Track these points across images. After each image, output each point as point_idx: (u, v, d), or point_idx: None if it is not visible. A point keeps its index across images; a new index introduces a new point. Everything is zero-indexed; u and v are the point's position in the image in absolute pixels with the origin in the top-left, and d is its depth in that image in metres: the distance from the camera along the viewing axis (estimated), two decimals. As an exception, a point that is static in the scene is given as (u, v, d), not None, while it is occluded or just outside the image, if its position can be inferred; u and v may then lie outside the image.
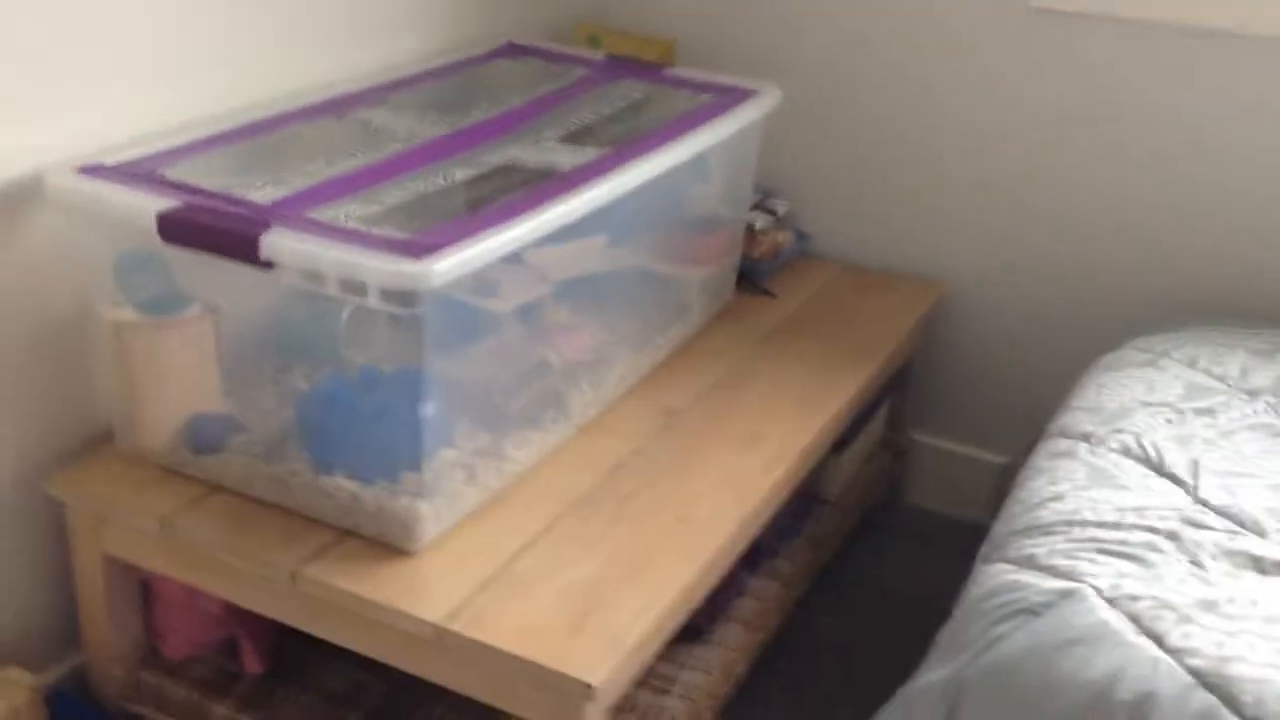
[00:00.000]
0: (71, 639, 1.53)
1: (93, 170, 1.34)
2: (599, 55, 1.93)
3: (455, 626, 1.23)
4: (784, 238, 2.02)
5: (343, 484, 1.34)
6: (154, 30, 1.45)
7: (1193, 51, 1.78)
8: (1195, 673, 1.10)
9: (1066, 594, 1.19)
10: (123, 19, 1.41)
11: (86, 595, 1.48)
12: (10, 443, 1.42)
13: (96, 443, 1.49)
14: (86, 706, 1.51)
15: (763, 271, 1.97)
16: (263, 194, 1.36)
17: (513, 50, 1.92)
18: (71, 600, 1.50)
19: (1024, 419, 1.95)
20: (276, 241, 1.23)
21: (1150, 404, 1.53)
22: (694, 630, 1.59)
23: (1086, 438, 1.47)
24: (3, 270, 1.36)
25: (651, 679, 1.54)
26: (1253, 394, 1.56)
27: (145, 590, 1.51)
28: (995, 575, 1.26)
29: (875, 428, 2.00)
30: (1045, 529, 1.31)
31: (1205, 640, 1.13)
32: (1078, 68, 1.85)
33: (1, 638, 1.46)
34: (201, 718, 1.47)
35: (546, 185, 1.43)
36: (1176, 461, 1.41)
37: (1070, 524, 1.30)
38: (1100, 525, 1.30)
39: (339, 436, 1.36)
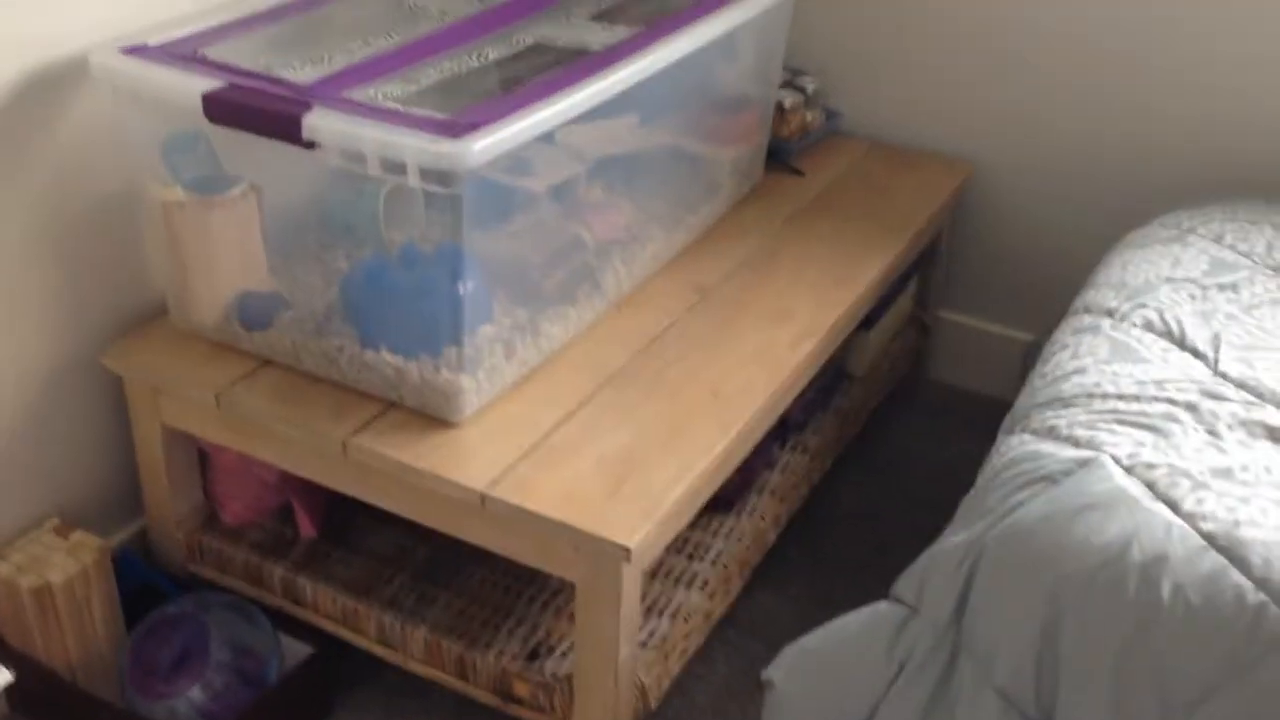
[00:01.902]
0: (135, 505, 1.61)
1: (137, 51, 1.37)
2: (629, -69, 1.91)
3: (497, 493, 1.29)
4: (813, 116, 2.03)
5: (387, 358, 1.39)
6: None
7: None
8: (1207, 536, 1.14)
9: (1085, 462, 1.23)
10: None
11: (147, 464, 1.55)
12: (69, 317, 1.47)
13: (150, 318, 1.54)
14: (150, 568, 1.59)
15: (791, 150, 1.98)
16: (303, 74, 1.38)
17: (543, -74, 1.91)
18: (133, 467, 1.57)
19: (1050, 297, 1.97)
20: (318, 122, 1.25)
21: (1174, 280, 1.55)
22: (725, 502, 1.65)
23: (1110, 313, 1.50)
24: (52, 150, 1.40)
25: (685, 546, 1.60)
26: (1277, 269, 1.58)
27: (203, 459, 1.58)
28: (1017, 445, 1.30)
29: (902, 305, 2.03)
30: (1066, 401, 1.34)
31: (1218, 505, 1.17)
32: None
33: (70, 504, 1.54)
34: (260, 579, 1.55)
35: (579, 65, 1.44)
36: (1198, 336, 1.43)
37: (1091, 396, 1.34)
38: (1120, 397, 1.33)
39: (382, 313, 1.40)
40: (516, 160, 1.44)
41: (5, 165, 1.35)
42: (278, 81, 1.33)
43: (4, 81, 1.32)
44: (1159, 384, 1.35)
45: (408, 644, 1.47)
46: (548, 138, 1.41)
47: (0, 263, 1.38)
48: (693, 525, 1.62)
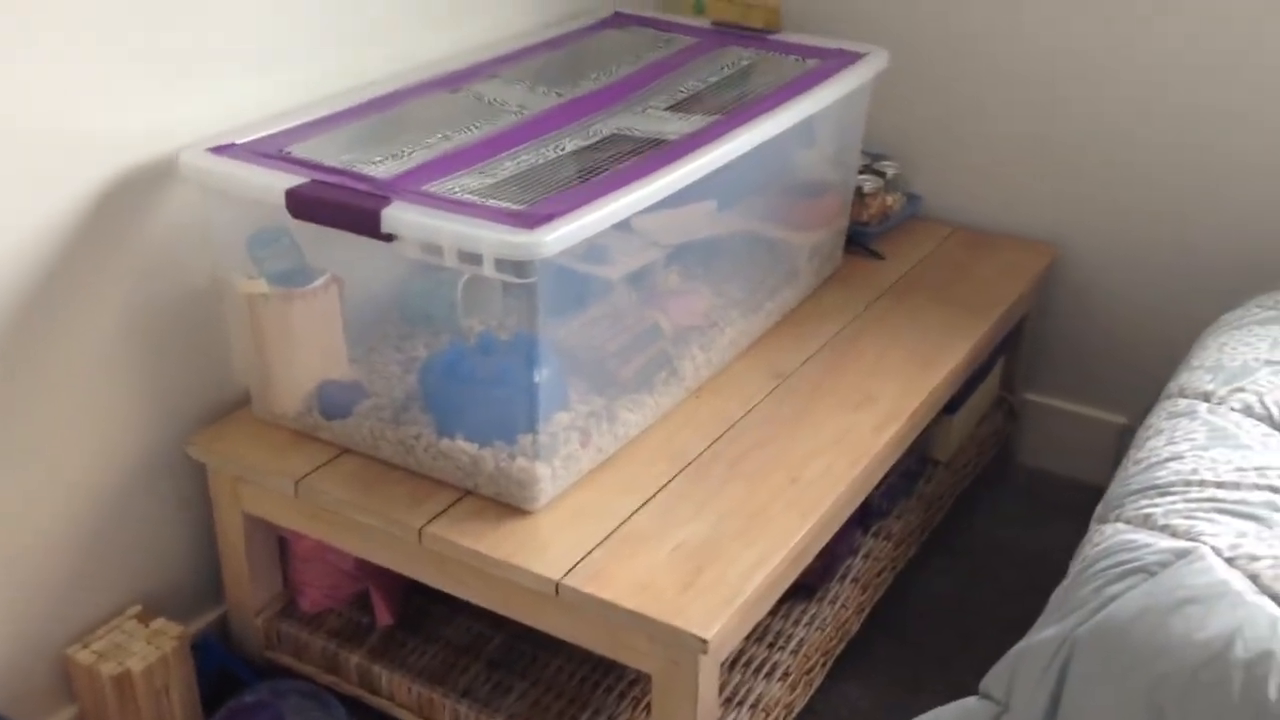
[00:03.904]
0: (215, 592, 1.62)
1: (224, 149, 1.41)
2: (705, 22, 1.94)
3: (572, 582, 1.28)
4: (893, 200, 2.02)
5: (463, 447, 1.40)
6: (273, 14, 1.51)
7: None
8: (1316, 632, 1.09)
9: (1183, 554, 1.18)
10: (245, 5, 1.47)
11: (228, 551, 1.57)
12: (153, 407, 1.51)
13: (233, 407, 1.57)
14: (229, 655, 1.60)
15: (872, 234, 1.97)
16: (382, 169, 1.41)
17: (620, 20, 1.95)
18: (214, 556, 1.59)
19: (1138, 379, 1.92)
20: (396, 215, 1.27)
21: (1273, 362, 1.49)
22: (807, 589, 1.61)
23: (1207, 397, 1.45)
24: (142, 245, 1.44)
25: (766, 635, 1.57)
26: (1382, 350, 1.52)
27: (283, 547, 1.59)
28: (1111, 535, 1.25)
29: (988, 388, 1.99)
30: (1163, 489, 1.30)
31: (1327, 599, 1.12)
32: (1187, 25, 1.80)
33: (152, 591, 1.56)
34: (336, 666, 1.55)
35: (655, 154, 1.45)
36: (1299, 420, 1.38)
37: (1189, 484, 1.29)
38: (1219, 485, 1.28)
39: (458, 401, 1.41)
40: (593, 248, 1.45)
41: (97, 261, 1.40)
42: (358, 177, 1.36)
43: (99, 180, 1.37)
44: (1260, 471, 1.29)
45: (483, 736, 1.45)
46: (624, 225, 1.41)
47: (89, 355, 1.42)
48: (773, 613, 1.59)
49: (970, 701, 1.23)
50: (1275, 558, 1.16)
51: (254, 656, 1.61)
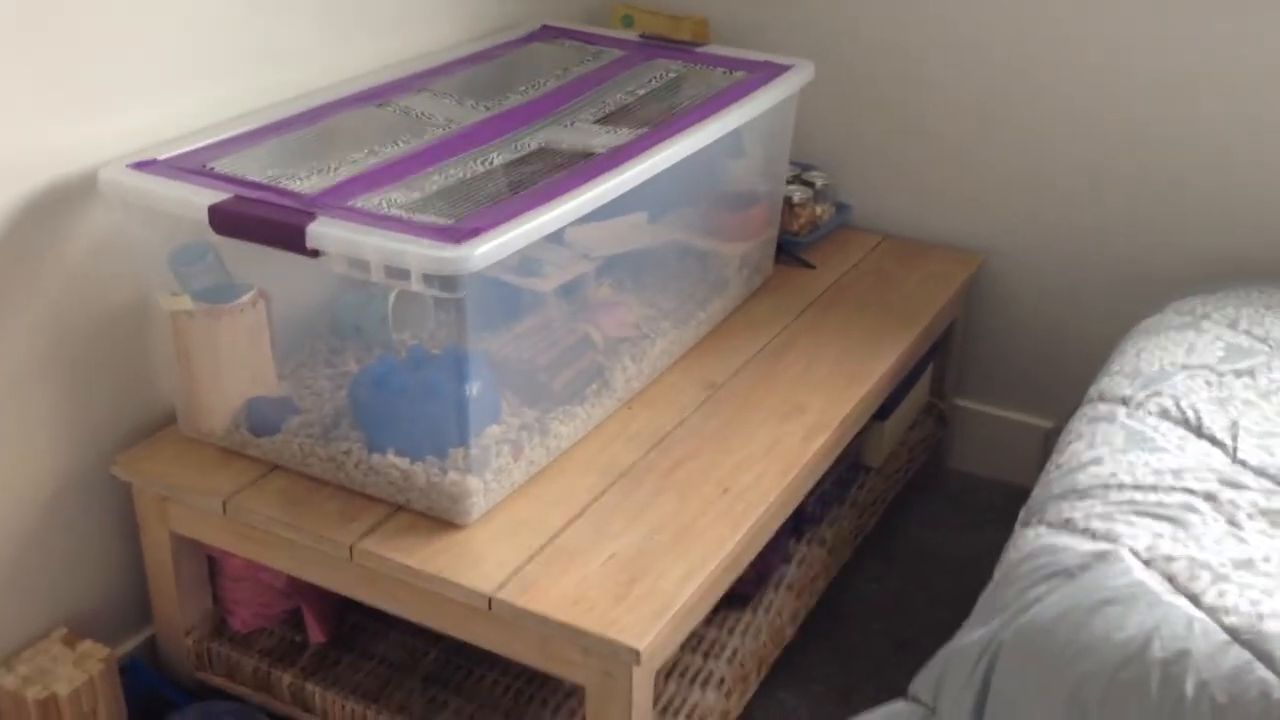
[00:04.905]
0: (143, 613, 1.59)
1: (145, 165, 1.39)
2: (633, 35, 1.95)
3: (505, 596, 1.27)
4: (823, 210, 2.04)
5: (394, 462, 1.39)
6: (197, 29, 1.50)
7: (1227, 19, 1.77)
8: (1230, 630, 1.12)
9: (1102, 556, 1.21)
10: (167, 20, 1.46)
11: (155, 571, 1.54)
12: (78, 426, 1.48)
13: (159, 426, 1.55)
14: (157, 677, 1.58)
15: (802, 244, 1.99)
16: (309, 184, 1.40)
17: (548, 33, 1.95)
18: (142, 576, 1.57)
19: (1067, 383, 1.95)
20: (322, 231, 1.27)
21: (1190, 366, 1.53)
22: (741, 597, 1.62)
23: (1125, 401, 1.48)
24: (64, 263, 1.42)
25: (700, 643, 1.58)
26: (1294, 353, 1.56)
27: (212, 565, 1.57)
28: (1032, 539, 1.28)
29: (918, 394, 2.02)
30: (1082, 492, 1.32)
31: (1241, 598, 1.15)
32: (1114, 32, 1.85)
33: (78, 613, 1.53)
34: (269, 686, 1.53)
35: (583, 167, 1.46)
36: (1215, 423, 1.42)
37: (1107, 487, 1.32)
38: (1137, 488, 1.31)
39: (389, 416, 1.40)
40: (524, 261, 1.46)
41: (17, 279, 1.37)
42: (283, 192, 1.35)
43: (16, 197, 1.35)
44: (1176, 473, 1.33)
45: (417, 753, 1.45)
46: (556, 237, 1.41)
47: (10, 375, 1.39)
48: (708, 622, 1.59)
49: (898, 705, 1.25)
50: (1191, 558, 1.20)
51: (184, 678, 1.58)
